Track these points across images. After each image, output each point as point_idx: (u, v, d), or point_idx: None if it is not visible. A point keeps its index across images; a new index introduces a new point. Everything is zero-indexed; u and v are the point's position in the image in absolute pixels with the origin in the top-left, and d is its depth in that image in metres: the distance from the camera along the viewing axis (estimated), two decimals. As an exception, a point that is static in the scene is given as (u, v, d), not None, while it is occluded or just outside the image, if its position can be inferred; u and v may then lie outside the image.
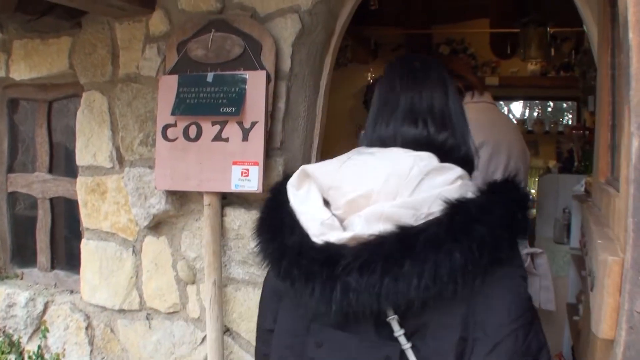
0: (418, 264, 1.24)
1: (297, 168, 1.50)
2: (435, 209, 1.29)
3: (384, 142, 1.47)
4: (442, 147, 1.43)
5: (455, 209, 1.29)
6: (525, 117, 8.85)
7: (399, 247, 1.26)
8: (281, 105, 2.86)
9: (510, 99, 8.73)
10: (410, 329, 1.34)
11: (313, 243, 1.34)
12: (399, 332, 1.33)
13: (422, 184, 1.32)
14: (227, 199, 2.99)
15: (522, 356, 1.30)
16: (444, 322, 1.32)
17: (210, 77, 2.85)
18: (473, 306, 1.31)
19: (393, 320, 1.33)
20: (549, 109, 9.26)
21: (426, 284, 1.24)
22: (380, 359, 1.35)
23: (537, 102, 9.31)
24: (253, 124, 2.72)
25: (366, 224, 1.30)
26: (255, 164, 2.70)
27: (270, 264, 1.43)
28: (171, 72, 2.99)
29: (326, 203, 1.40)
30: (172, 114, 2.88)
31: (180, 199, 3.09)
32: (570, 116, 8.69)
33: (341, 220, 1.36)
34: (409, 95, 1.50)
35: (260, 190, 2.70)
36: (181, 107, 2.86)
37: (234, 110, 2.74)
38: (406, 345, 1.33)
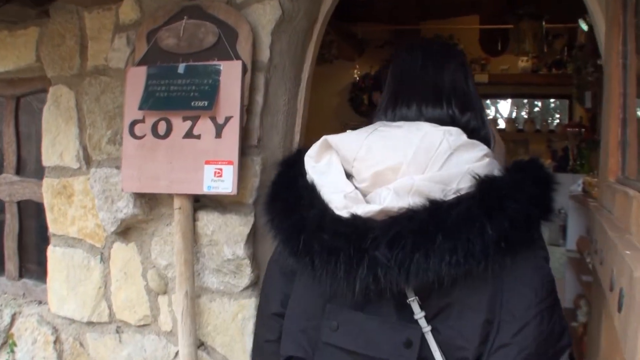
0: (450, 239, 1.23)
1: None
2: (463, 185, 1.28)
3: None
4: (466, 128, 1.41)
5: (486, 185, 1.28)
6: (514, 116, 8.68)
7: (431, 221, 1.24)
8: (259, 98, 2.61)
9: (500, 96, 8.59)
10: (433, 310, 1.32)
11: (337, 216, 1.30)
12: (419, 314, 1.30)
13: (451, 158, 1.30)
14: (200, 202, 2.73)
15: (546, 338, 1.29)
16: (470, 303, 1.30)
17: (181, 68, 2.60)
18: (501, 286, 1.29)
19: (414, 302, 1.30)
20: (537, 108, 9.10)
21: (457, 260, 1.22)
22: (401, 342, 1.31)
23: (524, 100, 9.17)
24: (227, 119, 2.47)
25: (396, 197, 1.27)
26: (230, 163, 2.45)
27: (285, 241, 1.37)
28: (140, 63, 2.73)
29: (348, 176, 1.37)
30: (140, 108, 2.62)
31: (150, 202, 2.83)
32: (559, 115, 8.51)
33: (364, 194, 1.33)
34: (432, 75, 1.50)
35: (235, 192, 2.46)
36: (149, 101, 2.60)
37: (206, 104, 2.49)
38: (426, 328, 1.30)
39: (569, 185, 5.01)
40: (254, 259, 2.63)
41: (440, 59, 1.53)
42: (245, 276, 2.61)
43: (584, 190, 4.34)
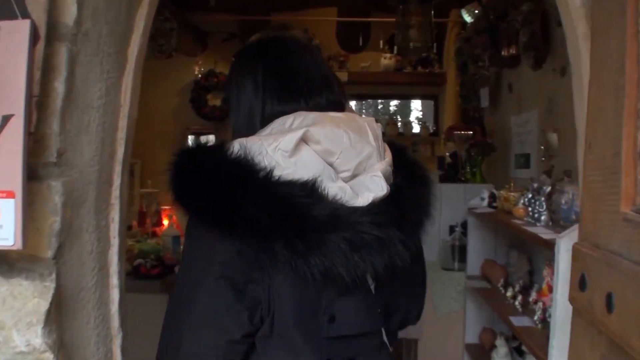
0: (419, 211, 1.47)
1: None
2: (391, 163, 1.44)
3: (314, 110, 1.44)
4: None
5: (404, 165, 1.49)
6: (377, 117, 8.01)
7: (405, 199, 1.41)
8: (59, 85, 1.48)
9: (361, 97, 7.87)
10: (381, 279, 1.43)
11: (353, 208, 1.30)
12: (372, 283, 1.45)
13: (382, 142, 1.45)
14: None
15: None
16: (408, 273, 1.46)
17: None
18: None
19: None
20: (394, 108, 8.52)
21: (422, 231, 1.51)
22: (377, 312, 1.47)
23: (379, 101, 8.62)
24: (5, 119, 1.35)
25: (385, 183, 1.35)
26: (9, 195, 1.32)
27: (278, 244, 1.25)
28: None
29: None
30: None
31: None
32: (419, 115, 7.95)
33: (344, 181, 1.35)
34: (321, 64, 1.56)
35: (20, 245, 1.32)
36: None
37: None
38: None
39: (463, 198, 4.29)
40: (60, 348, 1.53)
41: (306, 46, 1.61)
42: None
43: (491, 206, 3.60)
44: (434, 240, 4.34)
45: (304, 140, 1.30)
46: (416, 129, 7.23)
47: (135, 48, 1.87)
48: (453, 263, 4.08)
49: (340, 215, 1.27)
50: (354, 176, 1.35)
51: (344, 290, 1.34)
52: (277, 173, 1.27)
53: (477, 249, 3.85)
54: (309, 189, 1.27)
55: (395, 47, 6.53)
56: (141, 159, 6.64)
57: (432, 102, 7.44)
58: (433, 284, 3.97)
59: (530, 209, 2.91)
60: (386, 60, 6.84)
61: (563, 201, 2.70)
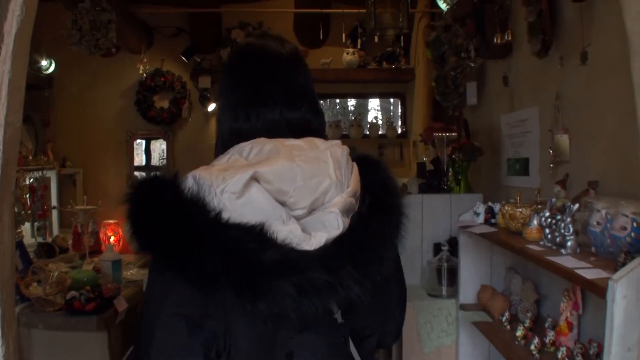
0: (383, 242, 1.36)
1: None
2: (359, 191, 1.38)
3: (270, 130, 1.41)
4: (320, 132, 1.48)
5: (373, 188, 1.40)
6: (339, 118, 7.41)
7: (362, 237, 1.32)
8: None
9: (322, 97, 7.26)
10: (344, 307, 1.38)
11: (303, 251, 1.24)
12: (337, 312, 1.37)
13: (347, 169, 1.38)
14: None
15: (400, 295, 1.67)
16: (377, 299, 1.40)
17: None
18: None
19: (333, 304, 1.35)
20: (352, 107, 7.97)
21: (392, 255, 1.44)
22: (340, 342, 1.42)
23: (337, 100, 8.07)
24: None
25: (341, 220, 1.30)
26: None
27: (231, 287, 1.20)
28: None
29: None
30: None
31: None
32: (377, 115, 7.39)
33: (298, 220, 1.29)
34: (289, 77, 1.48)
35: None
36: None
37: None
38: (342, 321, 1.38)
39: (449, 210, 3.71)
40: None
41: (292, 60, 1.50)
42: None
43: (489, 222, 3.01)
44: (416, 261, 3.74)
45: (255, 178, 1.25)
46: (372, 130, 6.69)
47: (12, 30, 1.29)
48: (440, 288, 3.47)
49: (290, 260, 1.23)
50: (310, 211, 1.31)
51: (303, 327, 1.33)
52: (225, 215, 1.23)
53: (471, 272, 3.26)
54: (257, 233, 1.23)
55: (359, 41, 5.98)
56: (83, 168, 6.08)
57: (394, 101, 6.91)
58: (419, 313, 3.37)
59: (547, 230, 2.33)
60: (349, 55, 6.30)
61: (594, 221, 2.12)
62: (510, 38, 3.11)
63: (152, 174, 1.34)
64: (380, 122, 6.84)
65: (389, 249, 1.38)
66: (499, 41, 3.19)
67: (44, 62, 5.67)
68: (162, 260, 1.26)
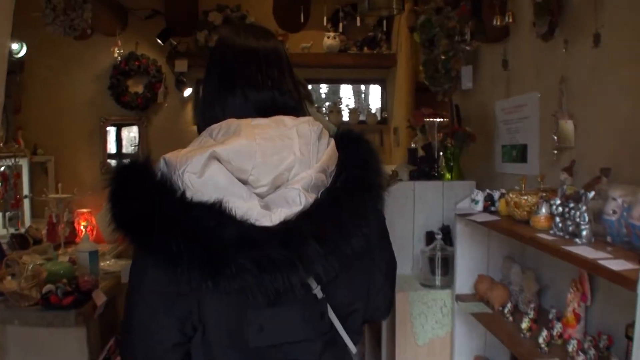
0: (355, 217, 1.38)
1: None
2: (333, 167, 1.42)
3: (261, 109, 1.48)
4: (285, 110, 1.49)
5: (351, 163, 1.44)
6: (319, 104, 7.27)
7: (334, 212, 1.36)
8: None
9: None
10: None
11: (263, 227, 1.29)
12: (316, 287, 1.39)
13: (320, 145, 1.41)
14: None
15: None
16: (356, 271, 1.49)
17: None
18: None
19: (311, 279, 1.38)
20: (323, 94, 7.83)
21: (364, 232, 1.39)
22: (317, 317, 1.43)
23: (310, 86, 7.91)
24: None
25: (305, 195, 1.33)
26: None
27: (194, 263, 1.25)
28: None
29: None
30: None
31: None
32: (351, 99, 7.26)
33: (262, 197, 1.34)
34: (252, 57, 1.53)
35: None
36: None
37: None
38: (322, 296, 1.42)
39: (442, 198, 3.62)
40: None
41: (259, 37, 1.56)
42: None
43: (488, 210, 2.92)
44: (407, 250, 3.64)
45: (214, 157, 1.31)
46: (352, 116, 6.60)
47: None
48: (434, 278, 3.38)
49: (249, 236, 1.27)
50: (275, 188, 1.35)
51: (273, 301, 1.33)
52: (188, 195, 1.29)
53: (467, 261, 3.17)
54: (216, 211, 1.28)
55: (341, 25, 5.85)
56: (55, 155, 5.87)
57: (365, 87, 6.87)
58: (413, 304, 3.27)
59: (558, 219, 2.23)
60: (330, 40, 6.17)
61: (610, 210, 2.02)
62: (511, 20, 3.00)
63: (125, 160, 1.40)
64: (349, 108, 6.71)
65: (362, 224, 1.39)
66: (498, 23, 3.07)
67: (14, 46, 5.35)
68: (134, 240, 1.32)
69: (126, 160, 1.39)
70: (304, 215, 1.32)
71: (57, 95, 5.95)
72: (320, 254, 1.30)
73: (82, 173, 5.93)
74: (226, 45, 1.57)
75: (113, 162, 6.17)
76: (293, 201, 1.33)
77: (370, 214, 1.42)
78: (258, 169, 1.32)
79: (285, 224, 1.30)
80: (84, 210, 5.57)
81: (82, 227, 5.44)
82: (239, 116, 1.43)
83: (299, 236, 1.30)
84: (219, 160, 1.31)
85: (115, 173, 1.37)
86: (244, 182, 1.33)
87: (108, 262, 4.23)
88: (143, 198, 1.31)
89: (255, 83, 1.50)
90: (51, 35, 4.64)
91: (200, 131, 1.48)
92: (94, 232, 5.50)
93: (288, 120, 1.42)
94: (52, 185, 5.49)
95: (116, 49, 5.78)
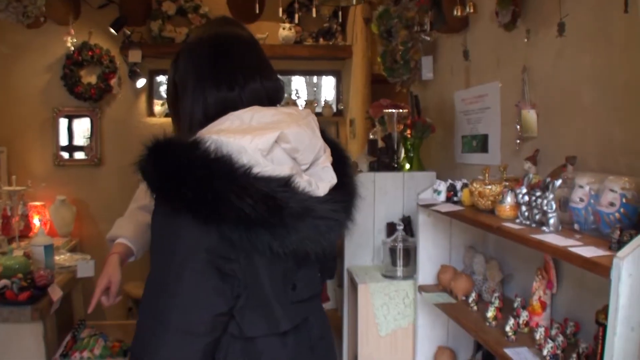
0: (354, 194, 1.66)
1: None
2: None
3: (271, 97, 1.65)
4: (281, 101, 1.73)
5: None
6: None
7: (346, 189, 1.62)
8: None
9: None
10: None
11: (316, 197, 1.49)
12: None
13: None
14: None
15: None
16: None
17: None
18: None
19: None
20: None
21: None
22: (317, 275, 1.70)
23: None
24: None
25: (334, 173, 1.57)
26: None
27: (263, 231, 1.41)
28: None
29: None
30: None
31: None
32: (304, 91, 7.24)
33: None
34: (259, 48, 1.70)
35: None
36: None
37: None
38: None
39: (402, 189, 3.62)
40: None
41: (250, 34, 1.72)
42: None
43: (451, 200, 2.93)
44: (368, 241, 3.63)
45: (281, 139, 1.48)
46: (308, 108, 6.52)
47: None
48: (396, 270, 3.37)
49: (310, 205, 1.45)
50: (310, 166, 1.56)
51: (302, 263, 1.57)
52: (255, 170, 1.42)
53: (429, 252, 3.16)
54: (284, 184, 1.43)
55: (297, 16, 5.80)
56: (7, 146, 5.71)
57: (317, 79, 6.92)
58: (374, 295, 3.26)
59: (524, 208, 2.24)
60: (285, 31, 6.13)
61: (577, 197, 2.03)
62: (472, 10, 2.99)
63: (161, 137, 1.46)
64: (305, 100, 6.68)
65: (356, 196, 1.67)
66: (459, 14, 3.07)
67: (-39, 33, 5.22)
68: (200, 210, 1.40)
69: (160, 138, 1.46)
70: (332, 189, 1.54)
71: (8, 85, 5.80)
72: (349, 219, 1.60)
73: (34, 165, 5.81)
74: (233, 36, 1.67)
75: (66, 155, 6.05)
76: (332, 177, 1.56)
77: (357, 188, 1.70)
78: (306, 150, 1.53)
79: (328, 195, 1.52)
80: (37, 203, 5.44)
81: (34, 221, 5.31)
82: (255, 100, 1.59)
83: (336, 204, 1.50)
84: (279, 140, 1.48)
85: (155, 151, 1.45)
86: (294, 160, 1.53)
87: (63, 257, 4.13)
88: (206, 172, 1.41)
89: (268, 71, 1.66)
90: (1, 22, 4.50)
91: (205, 115, 1.58)
92: (48, 226, 5.37)
93: (306, 112, 1.61)
94: (5, 177, 5.33)
95: (69, 38, 5.63)
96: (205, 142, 1.42)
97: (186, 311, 1.44)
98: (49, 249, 3.64)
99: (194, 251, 1.44)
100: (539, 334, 2.24)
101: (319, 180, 1.53)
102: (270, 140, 1.45)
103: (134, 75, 5.93)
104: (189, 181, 1.40)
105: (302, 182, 1.47)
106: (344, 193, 1.59)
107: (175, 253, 1.46)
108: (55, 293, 3.27)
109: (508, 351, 2.25)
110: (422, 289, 3.14)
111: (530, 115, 2.73)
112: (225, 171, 1.40)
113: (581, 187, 2.03)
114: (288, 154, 1.50)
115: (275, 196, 1.41)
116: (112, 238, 2.40)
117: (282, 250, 1.42)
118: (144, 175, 1.46)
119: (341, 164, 1.65)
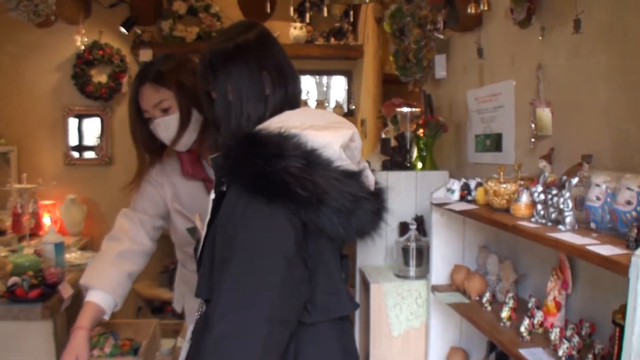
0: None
1: None
2: None
3: (296, 98, 1.78)
4: None
5: None
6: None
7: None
8: None
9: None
10: None
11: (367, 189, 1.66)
12: None
13: None
14: None
15: None
16: None
17: None
18: None
19: None
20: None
21: None
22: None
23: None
24: None
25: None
26: None
27: (348, 213, 1.55)
28: None
29: None
30: None
31: None
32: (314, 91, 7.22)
33: None
34: (281, 54, 1.81)
35: None
36: None
37: None
38: None
39: (415, 188, 3.60)
40: None
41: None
42: None
43: (465, 199, 2.90)
44: (380, 241, 3.60)
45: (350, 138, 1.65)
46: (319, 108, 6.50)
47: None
48: (408, 269, 3.35)
49: (368, 195, 1.63)
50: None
51: (342, 243, 1.78)
52: (337, 164, 1.57)
53: (442, 252, 3.14)
54: (359, 178, 1.63)
55: (308, 15, 5.79)
56: (17, 145, 5.72)
57: (327, 79, 6.92)
58: (388, 295, 3.23)
59: (540, 206, 2.21)
60: (296, 30, 6.12)
61: (593, 196, 2.01)
62: (486, 8, 2.97)
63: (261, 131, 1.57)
64: (317, 100, 6.66)
65: None
66: (473, 11, 3.04)
67: (-27, 32, 5.24)
68: (298, 203, 1.51)
69: (264, 130, 1.56)
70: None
71: (19, 84, 5.82)
72: (384, 210, 1.76)
73: (45, 164, 5.82)
74: (268, 41, 1.79)
75: (76, 154, 6.05)
76: (370, 173, 1.75)
77: None
78: (358, 149, 1.71)
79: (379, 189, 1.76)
80: (48, 202, 5.45)
81: (44, 220, 5.32)
82: (296, 100, 1.78)
83: (379, 196, 1.73)
84: (351, 139, 1.65)
85: (251, 140, 1.56)
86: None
87: (74, 254, 4.13)
88: (303, 165, 1.52)
89: (294, 74, 1.80)
90: (11, 21, 4.51)
91: (250, 118, 1.69)
92: (58, 225, 5.38)
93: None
94: (16, 176, 5.34)
95: (79, 37, 5.64)
96: (294, 136, 1.54)
97: (283, 302, 1.50)
98: (60, 247, 3.64)
99: (287, 243, 1.53)
100: (554, 335, 2.21)
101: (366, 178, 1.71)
102: (346, 137, 1.61)
103: (144, 75, 5.92)
104: (292, 171, 1.50)
105: (370, 178, 1.72)
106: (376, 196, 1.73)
107: (269, 245, 1.53)
108: (66, 291, 3.26)
109: (523, 352, 2.22)
110: (435, 288, 3.11)
111: (545, 114, 2.71)
112: (321, 163, 1.53)
113: (597, 185, 2.01)
114: (352, 151, 1.65)
115: (356, 188, 1.58)
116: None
117: (345, 232, 1.56)
118: (232, 167, 1.56)
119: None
